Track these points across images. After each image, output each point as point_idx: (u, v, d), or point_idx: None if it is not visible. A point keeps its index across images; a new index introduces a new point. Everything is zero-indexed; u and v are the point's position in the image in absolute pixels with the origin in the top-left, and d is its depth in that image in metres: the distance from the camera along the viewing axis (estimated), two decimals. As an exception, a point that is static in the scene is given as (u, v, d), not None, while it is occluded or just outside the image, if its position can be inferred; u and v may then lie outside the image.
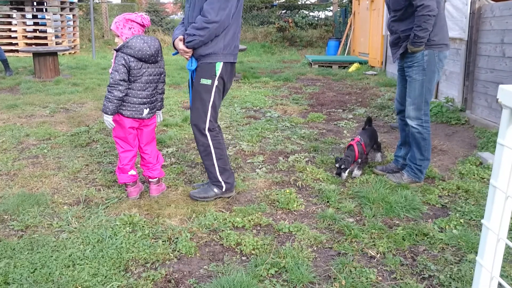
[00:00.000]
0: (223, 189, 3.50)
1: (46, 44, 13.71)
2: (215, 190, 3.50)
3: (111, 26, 3.24)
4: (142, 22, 3.27)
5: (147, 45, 3.20)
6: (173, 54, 3.60)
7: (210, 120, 3.36)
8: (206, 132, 3.37)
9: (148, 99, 3.35)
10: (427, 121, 3.67)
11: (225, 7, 3.11)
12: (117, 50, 3.18)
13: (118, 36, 3.24)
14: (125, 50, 3.15)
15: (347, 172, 3.94)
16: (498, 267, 1.11)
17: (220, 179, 3.47)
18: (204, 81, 3.28)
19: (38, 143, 4.98)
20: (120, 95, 3.19)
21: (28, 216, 3.19)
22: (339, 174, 3.93)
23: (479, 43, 5.76)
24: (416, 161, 3.72)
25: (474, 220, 3.15)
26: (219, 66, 3.26)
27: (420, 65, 3.57)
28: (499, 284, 1.13)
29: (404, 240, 2.88)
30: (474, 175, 3.95)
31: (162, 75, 3.43)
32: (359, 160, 4.01)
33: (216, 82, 3.29)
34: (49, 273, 2.50)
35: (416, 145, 3.71)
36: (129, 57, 3.16)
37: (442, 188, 3.69)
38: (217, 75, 3.28)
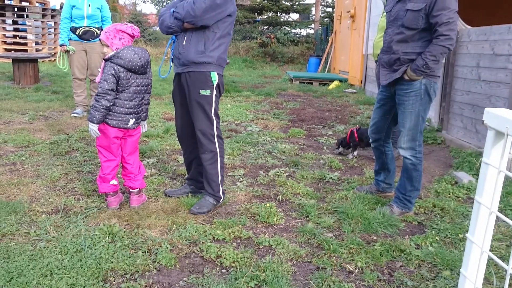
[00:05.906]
0: (220, 201, 3.59)
1: (26, 51, 13.53)
2: (213, 201, 3.56)
3: (101, 35, 3.24)
4: (133, 33, 3.29)
5: (137, 56, 3.22)
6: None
7: (217, 127, 3.46)
8: (215, 139, 3.46)
9: (135, 110, 3.35)
10: (421, 152, 3.47)
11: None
12: (106, 60, 3.19)
13: (108, 46, 3.25)
14: (115, 60, 3.16)
15: None
16: (481, 278, 1.16)
17: (221, 189, 3.56)
18: (204, 92, 3.36)
19: (16, 150, 4.91)
20: (108, 105, 3.19)
21: (5, 224, 3.13)
22: None
23: (456, 66, 5.94)
24: (405, 192, 3.53)
25: (449, 237, 3.22)
26: (214, 76, 3.36)
27: (417, 95, 3.31)
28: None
29: (382, 256, 2.92)
30: (449, 194, 4.04)
31: (149, 86, 3.44)
32: None
33: (214, 91, 3.39)
34: (26, 283, 2.45)
35: (407, 176, 3.50)
36: (119, 67, 3.17)
37: (419, 205, 3.75)
38: (214, 84, 3.38)
